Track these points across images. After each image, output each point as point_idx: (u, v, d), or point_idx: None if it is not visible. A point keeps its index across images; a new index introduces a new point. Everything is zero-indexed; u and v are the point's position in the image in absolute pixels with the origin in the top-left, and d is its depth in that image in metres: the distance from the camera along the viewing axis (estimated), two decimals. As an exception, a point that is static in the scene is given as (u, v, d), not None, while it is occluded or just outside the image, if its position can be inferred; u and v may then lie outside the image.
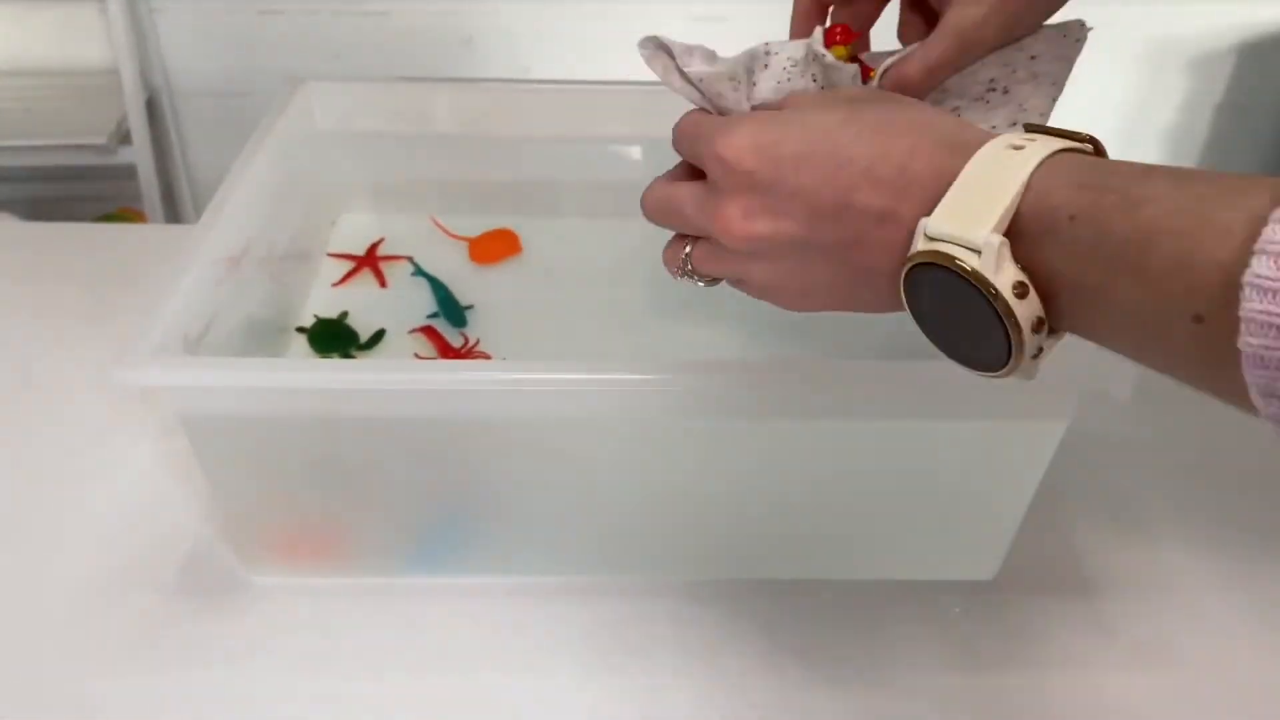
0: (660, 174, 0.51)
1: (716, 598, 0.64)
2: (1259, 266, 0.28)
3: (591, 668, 0.60)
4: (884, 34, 0.54)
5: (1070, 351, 0.59)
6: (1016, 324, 0.36)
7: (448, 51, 1.79)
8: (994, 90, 0.53)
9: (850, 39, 0.52)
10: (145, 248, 0.95)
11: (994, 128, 0.51)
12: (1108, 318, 0.35)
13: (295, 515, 0.63)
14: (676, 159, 0.51)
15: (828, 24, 0.55)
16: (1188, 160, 1.96)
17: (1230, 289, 0.29)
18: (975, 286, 0.36)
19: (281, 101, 0.80)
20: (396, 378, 0.55)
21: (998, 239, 0.35)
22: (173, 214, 1.88)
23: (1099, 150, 0.37)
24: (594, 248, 0.88)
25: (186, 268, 0.60)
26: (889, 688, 0.59)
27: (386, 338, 0.78)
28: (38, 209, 1.82)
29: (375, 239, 0.87)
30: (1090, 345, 0.57)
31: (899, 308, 0.40)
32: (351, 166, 0.88)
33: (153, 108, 1.78)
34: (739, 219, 0.41)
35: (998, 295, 0.35)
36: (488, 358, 0.76)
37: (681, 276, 0.49)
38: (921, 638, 0.62)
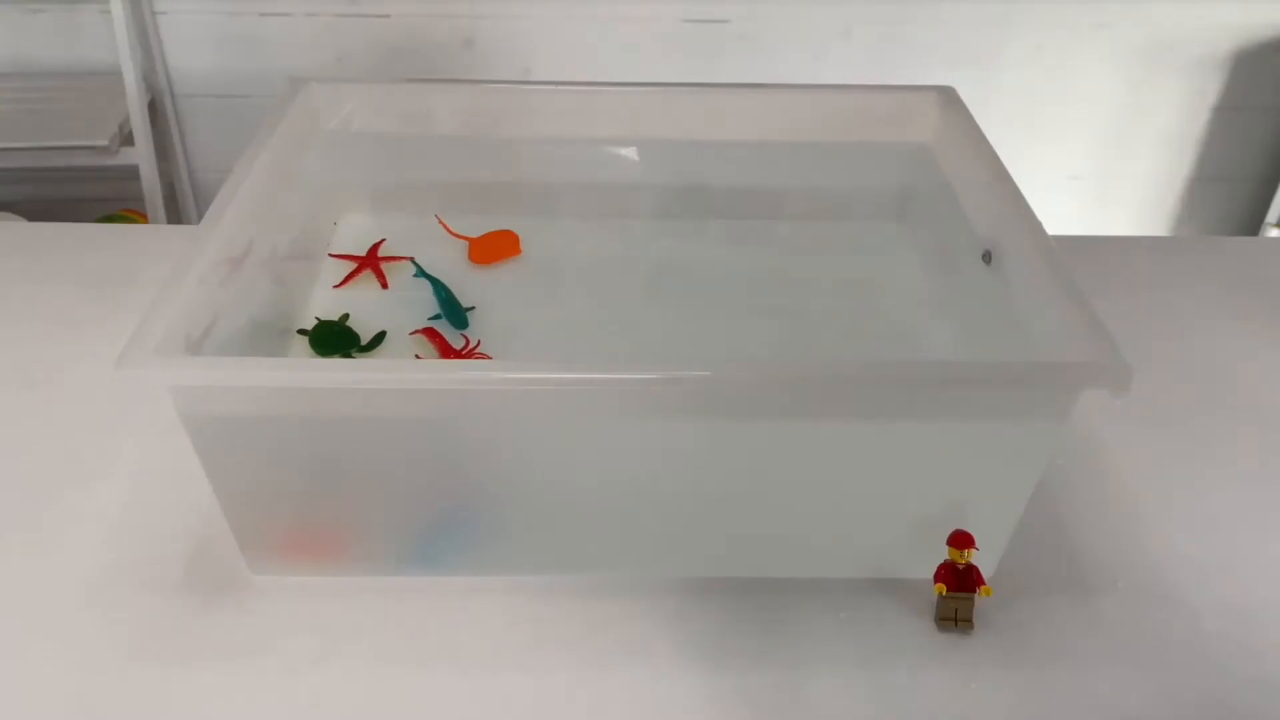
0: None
1: (715, 595, 0.64)
2: None
3: (591, 665, 0.60)
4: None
5: (1070, 351, 0.60)
6: None
7: (448, 53, 1.79)
8: None
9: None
10: (147, 249, 0.95)
11: None
12: None
13: (296, 515, 0.63)
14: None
15: None
16: (1185, 161, 1.96)
17: None
18: None
19: (283, 103, 0.81)
20: (397, 378, 0.56)
21: None
22: (174, 215, 1.88)
23: None
24: (594, 248, 0.88)
25: (188, 268, 0.61)
26: (887, 685, 0.59)
27: (387, 339, 0.78)
28: (40, 210, 1.82)
29: (377, 240, 0.87)
30: (1089, 346, 0.58)
31: None
32: (353, 168, 0.89)
33: (155, 109, 1.78)
34: None
35: None
36: (488, 359, 0.76)
37: None
38: (919, 636, 0.62)
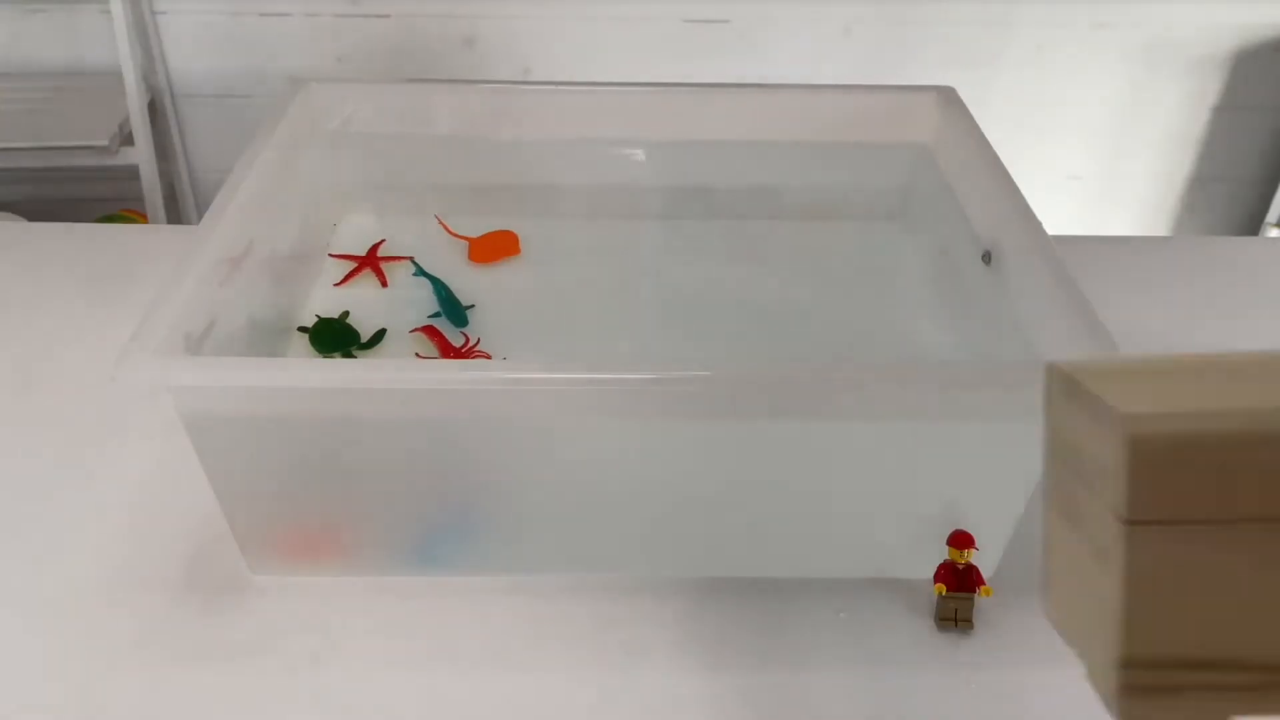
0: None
1: (716, 595, 0.64)
2: None
3: (591, 665, 0.60)
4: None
5: (1070, 351, 0.60)
6: None
7: (448, 53, 1.79)
8: None
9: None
10: (147, 248, 0.95)
11: None
12: None
13: (296, 515, 0.63)
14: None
15: None
16: (1185, 161, 1.96)
17: None
18: None
19: (283, 103, 0.81)
20: (397, 377, 0.56)
21: None
22: (174, 215, 1.88)
23: None
24: (594, 249, 0.88)
25: (188, 268, 0.61)
26: (888, 685, 0.60)
27: (387, 337, 0.78)
28: (40, 210, 1.82)
29: (376, 240, 0.87)
30: (1089, 346, 0.58)
31: None
32: (353, 168, 0.89)
33: (155, 109, 1.78)
34: None
35: None
36: (488, 358, 0.76)
37: None
38: (919, 636, 0.62)
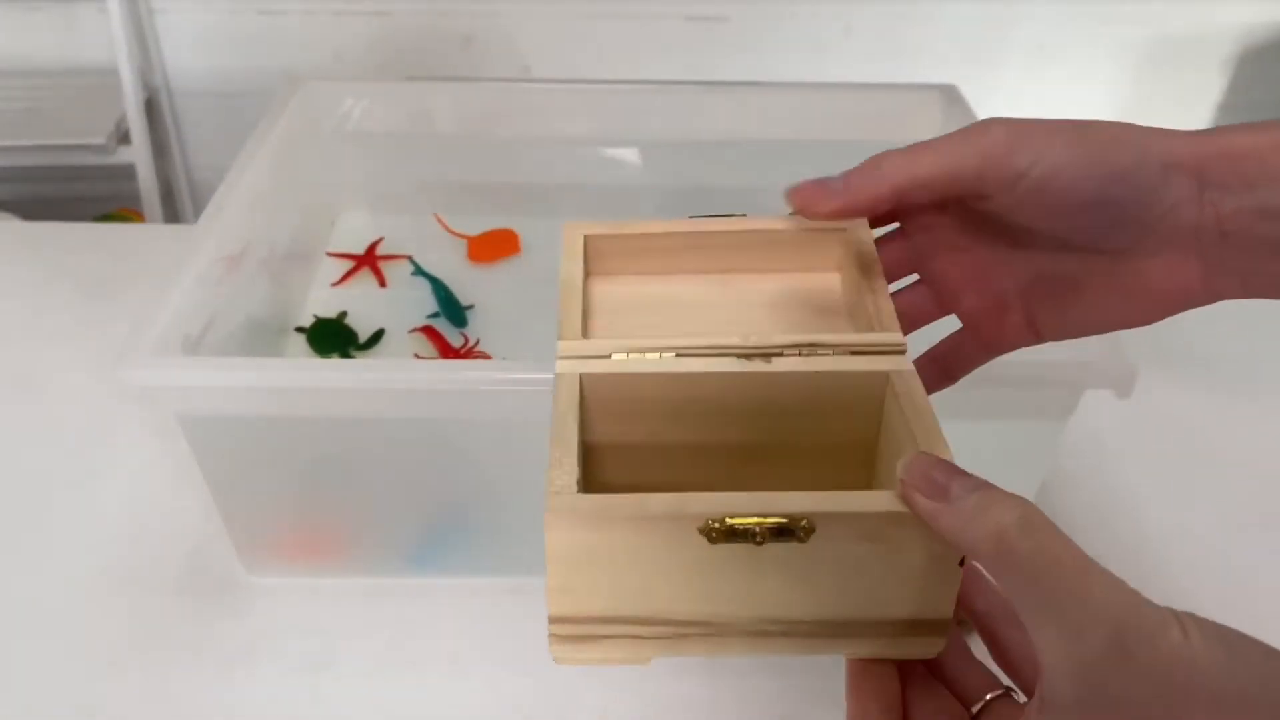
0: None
1: (717, 598, 0.64)
2: None
3: (592, 667, 0.60)
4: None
5: (1070, 352, 0.59)
6: None
7: (447, 51, 1.79)
8: None
9: None
10: (145, 248, 0.94)
11: None
12: None
13: (294, 516, 0.62)
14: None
15: None
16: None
17: None
18: None
19: (281, 101, 0.80)
20: (395, 378, 0.55)
21: None
22: (171, 214, 1.88)
23: None
24: (594, 247, 0.88)
25: (186, 267, 0.60)
26: (889, 688, 0.59)
27: (386, 337, 0.78)
28: (36, 209, 1.82)
29: (374, 238, 0.87)
30: (1088, 346, 0.57)
31: None
32: (350, 166, 0.88)
33: (152, 108, 1.78)
34: None
35: None
36: (488, 358, 0.76)
37: None
38: (922, 638, 0.62)
